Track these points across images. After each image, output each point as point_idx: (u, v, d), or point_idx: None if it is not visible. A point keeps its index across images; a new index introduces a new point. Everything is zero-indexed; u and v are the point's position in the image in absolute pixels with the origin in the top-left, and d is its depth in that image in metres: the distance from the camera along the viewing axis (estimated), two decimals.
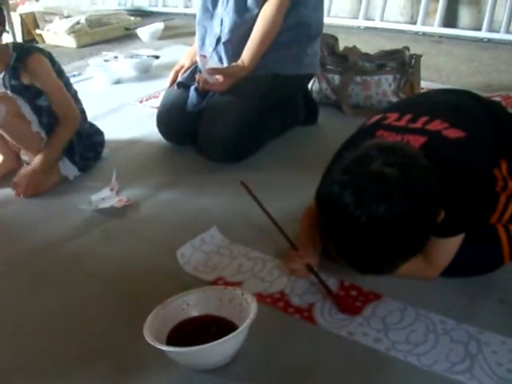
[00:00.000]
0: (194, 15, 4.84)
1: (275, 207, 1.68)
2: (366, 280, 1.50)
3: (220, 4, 2.26)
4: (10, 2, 4.89)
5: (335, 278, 1.55)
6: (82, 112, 2.34)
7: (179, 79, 2.40)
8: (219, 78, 2.19)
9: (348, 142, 1.57)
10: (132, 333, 1.39)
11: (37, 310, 1.55)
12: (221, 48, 2.26)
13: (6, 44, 2.14)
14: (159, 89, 3.04)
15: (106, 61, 3.67)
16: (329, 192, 1.30)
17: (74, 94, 2.31)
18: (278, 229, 1.61)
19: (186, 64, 2.47)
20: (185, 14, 5.17)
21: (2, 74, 2.12)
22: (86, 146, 2.28)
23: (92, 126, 2.39)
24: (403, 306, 1.43)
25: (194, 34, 2.46)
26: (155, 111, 2.50)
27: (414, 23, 4.10)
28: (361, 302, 1.46)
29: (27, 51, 2.14)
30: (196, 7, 2.41)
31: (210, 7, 2.30)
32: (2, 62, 2.10)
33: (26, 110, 2.14)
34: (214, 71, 2.19)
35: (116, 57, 3.71)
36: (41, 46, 4.54)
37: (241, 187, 1.69)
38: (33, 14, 4.90)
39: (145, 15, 5.28)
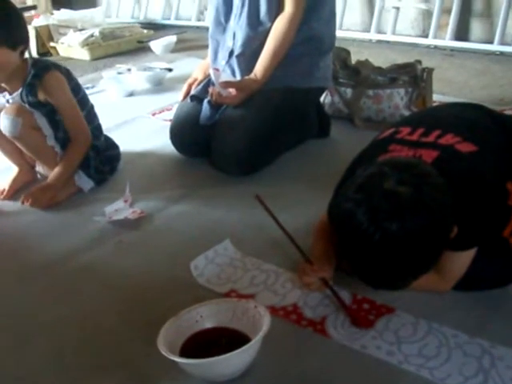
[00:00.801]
0: (206, 28, 4.88)
1: (287, 220, 1.69)
2: (378, 293, 1.50)
3: (233, 17, 2.28)
4: (26, 15, 4.94)
5: (348, 291, 1.55)
6: (98, 127, 2.36)
7: (192, 92, 2.42)
8: (232, 91, 2.20)
9: (360, 157, 1.58)
10: (145, 344, 1.40)
11: (50, 321, 1.56)
12: (233, 61, 2.28)
13: (26, 60, 2.16)
14: (172, 101, 3.06)
15: (119, 73, 3.70)
16: (342, 209, 1.31)
17: (91, 109, 2.33)
18: (292, 242, 1.61)
19: (199, 77, 2.49)
20: (197, 27, 5.20)
21: (20, 89, 2.14)
22: (101, 160, 2.30)
23: (107, 139, 2.41)
24: (416, 320, 1.43)
25: (206, 47, 2.48)
26: (168, 124, 2.51)
27: (426, 36, 4.11)
28: (373, 315, 1.46)
29: (44, 68, 2.15)
30: (209, 20, 2.42)
31: (223, 20, 2.32)
32: (20, 79, 2.12)
33: (43, 123, 2.17)
34: (227, 84, 2.21)
35: (129, 69, 3.74)
36: (55, 58, 4.61)
37: (254, 200, 1.70)
38: (47, 27, 4.95)
39: (157, 28, 5.32)
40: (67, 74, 2.23)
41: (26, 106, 2.15)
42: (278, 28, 2.18)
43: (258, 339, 1.27)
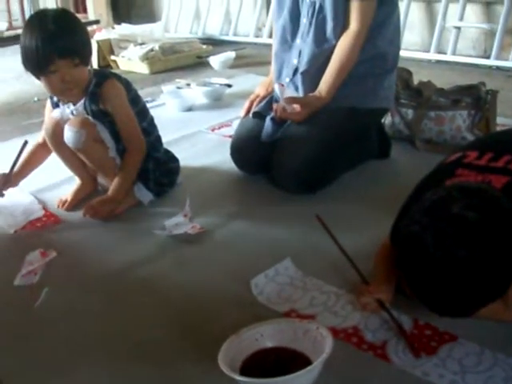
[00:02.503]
0: (264, 45, 4.98)
1: (347, 241, 1.68)
2: (441, 320, 1.47)
3: (299, 35, 2.29)
4: (89, 29, 5.05)
5: (409, 316, 1.52)
6: (159, 139, 2.38)
7: (255, 108, 2.43)
8: (296, 107, 2.20)
9: (427, 180, 1.56)
10: (203, 360, 1.41)
11: (104, 333, 1.57)
12: (298, 78, 2.28)
13: (89, 70, 2.21)
14: (231, 117, 3.09)
15: (178, 88, 3.76)
16: (409, 232, 1.30)
17: (151, 120, 2.36)
18: (351, 263, 1.61)
19: (262, 94, 2.50)
20: (255, 44, 5.24)
21: (83, 99, 2.19)
22: (161, 172, 2.33)
23: (167, 152, 2.43)
24: (480, 349, 1.40)
25: (264, 63, 2.51)
26: (227, 140, 2.53)
27: (488, 57, 4.06)
28: (435, 342, 1.43)
29: (104, 77, 2.20)
30: (274, 39, 2.43)
31: (289, 39, 2.33)
32: (83, 85, 2.17)
33: (106, 135, 2.21)
34: (292, 100, 2.22)
35: (188, 84, 3.79)
36: (115, 71, 4.69)
37: (314, 219, 1.70)
38: (109, 41, 5.06)
39: (215, 44, 5.38)
40: (126, 85, 2.26)
41: (90, 116, 2.19)
42: (343, 45, 2.18)
43: (321, 361, 1.26)
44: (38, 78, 2.13)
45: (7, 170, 2.26)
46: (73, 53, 2.07)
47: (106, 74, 2.25)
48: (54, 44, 2.03)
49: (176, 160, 2.45)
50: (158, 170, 2.32)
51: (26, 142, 2.25)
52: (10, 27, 6.84)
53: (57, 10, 2.23)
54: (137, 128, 2.23)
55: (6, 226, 2.21)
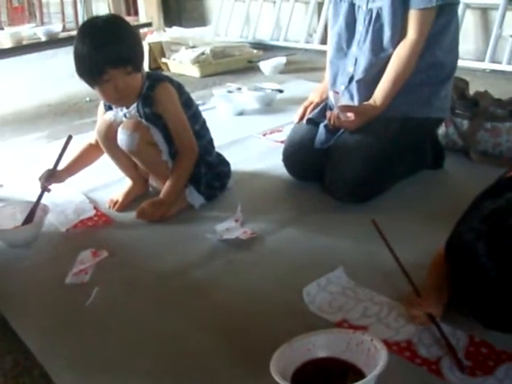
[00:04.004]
0: (315, 51, 4.97)
1: (399, 251, 1.64)
2: (498, 337, 1.43)
3: (355, 43, 2.26)
4: (141, 31, 5.12)
5: (464, 331, 1.48)
6: (211, 142, 2.39)
7: (308, 115, 2.41)
8: (350, 115, 2.18)
9: (487, 193, 1.53)
10: (252, 368, 1.41)
11: (153, 335, 1.58)
12: (353, 86, 2.26)
13: (142, 74, 2.22)
14: (282, 123, 3.08)
15: (229, 92, 3.77)
16: (463, 238, 1.28)
17: (203, 124, 2.37)
18: (404, 272, 1.58)
19: (316, 100, 2.48)
20: (306, 50, 5.23)
21: (136, 102, 2.20)
22: (212, 175, 2.33)
23: (219, 155, 2.44)
24: None
25: (315, 69, 2.49)
26: (278, 145, 2.51)
27: None
28: (493, 361, 1.39)
29: (157, 80, 2.21)
30: (329, 46, 2.41)
31: (345, 46, 2.30)
32: (137, 91, 2.18)
33: (159, 138, 2.22)
34: (346, 108, 2.20)
35: (239, 88, 3.80)
36: (166, 74, 4.73)
37: (366, 228, 1.69)
38: (160, 44, 5.11)
39: (266, 48, 5.39)
40: (179, 88, 2.27)
41: (143, 119, 2.21)
42: (400, 54, 2.15)
43: (376, 374, 1.24)
44: (93, 87, 2.15)
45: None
46: (125, 61, 2.08)
47: (159, 77, 2.26)
48: (105, 54, 2.04)
49: (227, 164, 2.45)
50: (210, 173, 2.32)
51: (70, 137, 2.27)
52: (64, 29, 6.96)
53: (108, 16, 2.21)
54: (189, 131, 2.24)
55: (58, 224, 2.25)
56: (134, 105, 2.21)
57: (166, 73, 4.83)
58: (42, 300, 1.78)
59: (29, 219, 2.17)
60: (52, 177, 2.26)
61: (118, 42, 2.07)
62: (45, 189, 2.24)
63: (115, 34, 2.08)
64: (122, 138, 2.20)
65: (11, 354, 1.55)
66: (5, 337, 1.63)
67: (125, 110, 2.23)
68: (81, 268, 1.90)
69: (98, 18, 2.17)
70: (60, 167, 2.30)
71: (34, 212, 2.18)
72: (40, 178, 2.26)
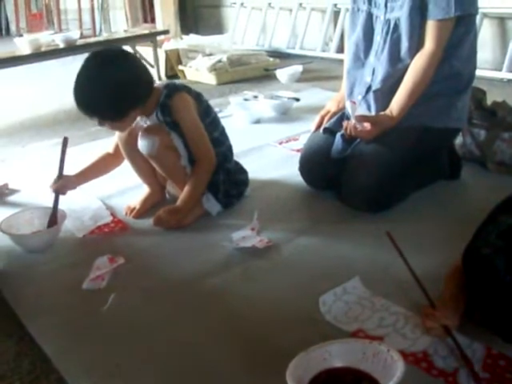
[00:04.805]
0: (331, 60, 4.98)
1: (415, 262, 1.64)
2: None
3: (373, 53, 2.26)
4: (158, 38, 5.14)
5: (481, 343, 1.47)
6: (230, 149, 2.40)
7: (325, 124, 2.42)
8: (367, 125, 2.18)
9: (503, 206, 1.53)
10: (267, 375, 1.40)
11: (169, 342, 1.58)
12: (370, 96, 2.26)
13: (157, 86, 2.24)
14: (299, 131, 3.08)
15: (245, 100, 3.78)
16: (480, 253, 1.27)
17: (222, 131, 2.38)
18: (418, 283, 1.58)
19: (333, 109, 2.48)
20: (321, 58, 5.24)
21: (155, 111, 2.21)
22: (230, 183, 2.34)
23: (236, 163, 2.45)
24: None
25: (331, 78, 2.49)
26: (295, 154, 2.52)
27: None
28: (511, 373, 1.38)
29: (175, 89, 2.22)
30: (346, 55, 2.42)
31: (362, 56, 2.31)
32: (154, 101, 2.20)
33: (179, 144, 2.23)
34: (363, 118, 2.20)
35: (256, 96, 3.81)
36: (182, 81, 4.76)
37: (382, 238, 1.69)
38: (177, 51, 5.15)
39: (282, 57, 5.41)
40: (197, 96, 2.28)
41: (165, 126, 2.22)
42: (418, 65, 2.15)
43: None
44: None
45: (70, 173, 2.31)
46: (101, 117, 2.13)
47: (176, 86, 2.26)
48: (81, 109, 2.09)
49: (245, 171, 2.46)
50: (228, 180, 2.33)
51: (66, 139, 2.27)
52: (82, 36, 7.01)
53: (96, 62, 2.11)
54: (205, 140, 2.24)
55: (75, 230, 2.26)
56: (153, 114, 2.22)
57: (182, 80, 4.88)
58: (59, 305, 1.79)
59: (52, 222, 2.19)
60: (63, 182, 2.27)
61: (91, 101, 2.07)
62: (58, 191, 2.25)
63: (91, 92, 2.07)
64: (142, 142, 2.22)
65: (28, 358, 1.57)
66: (22, 341, 1.64)
67: (144, 118, 2.25)
68: (98, 274, 1.92)
69: (89, 62, 2.11)
70: (74, 172, 2.33)
71: (55, 214, 2.20)
72: (51, 186, 2.27)
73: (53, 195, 2.23)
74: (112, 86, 2.05)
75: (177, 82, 2.33)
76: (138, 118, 2.25)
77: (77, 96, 2.08)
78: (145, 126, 2.25)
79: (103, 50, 2.17)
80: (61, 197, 2.25)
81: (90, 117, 2.13)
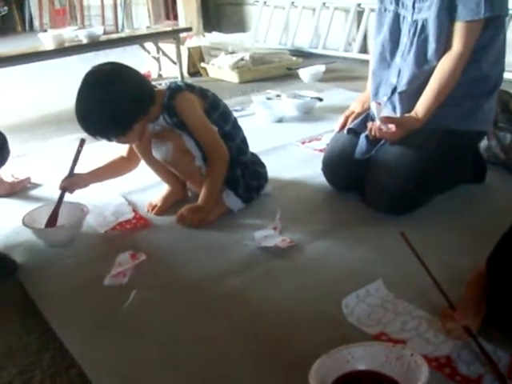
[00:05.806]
0: (354, 59, 4.94)
1: (437, 265, 1.63)
2: None
3: (399, 54, 2.24)
4: (181, 35, 5.15)
5: (505, 351, 1.45)
6: (244, 141, 2.39)
7: (350, 125, 2.40)
8: (392, 127, 2.16)
9: None
10: (289, 377, 1.40)
11: (190, 341, 1.59)
12: (396, 98, 2.24)
13: (161, 89, 2.23)
14: (322, 131, 3.07)
15: (268, 99, 3.77)
16: (504, 260, 1.26)
17: (234, 123, 2.36)
18: (436, 285, 1.55)
19: (357, 110, 2.47)
20: (344, 58, 5.21)
21: (161, 114, 2.20)
22: (249, 174, 2.34)
23: (253, 155, 2.44)
24: None
25: (354, 78, 2.47)
26: (317, 154, 2.50)
27: None
28: None
29: (176, 89, 2.21)
30: (372, 56, 2.40)
31: (388, 57, 2.29)
32: (159, 104, 2.19)
33: (191, 145, 2.23)
34: (388, 120, 2.17)
35: (279, 95, 3.80)
36: (204, 79, 4.77)
37: (404, 241, 1.66)
38: (199, 48, 5.14)
39: (304, 56, 5.39)
40: (201, 93, 2.27)
41: (174, 128, 2.21)
42: (444, 67, 2.13)
43: None
44: None
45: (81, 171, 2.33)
46: (120, 133, 2.14)
47: (178, 87, 2.23)
48: (97, 134, 2.13)
49: (263, 165, 2.45)
50: (247, 172, 2.33)
51: (83, 141, 2.27)
52: (104, 32, 7.04)
53: (97, 80, 2.11)
54: (214, 135, 2.23)
55: (97, 226, 2.27)
56: (161, 117, 2.21)
57: (204, 78, 4.87)
58: (80, 300, 1.80)
59: (51, 222, 2.19)
60: (72, 180, 2.27)
61: (91, 125, 2.10)
62: (65, 189, 2.25)
63: (89, 117, 2.09)
64: (156, 149, 2.26)
65: (49, 353, 1.58)
66: (44, 335, 1.65)
67: (152, 123, 2.24)
68: (119, 270, 1.92)
69: (90, 77, 2.12)
70: (86, 171, 2.35)
71: (56, 214, 2.20)
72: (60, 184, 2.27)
73: (59, 193, 2.25)
74: (108, 107, 2.06)
75: (178, 81, 2.31)
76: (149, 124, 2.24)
77: (78, 119, 2.10)
78: (155, 130, 2.25)
79: (98, 67, 2.15)
80: (81, 193, 2.28)
81: (94, 137, 2.14)
